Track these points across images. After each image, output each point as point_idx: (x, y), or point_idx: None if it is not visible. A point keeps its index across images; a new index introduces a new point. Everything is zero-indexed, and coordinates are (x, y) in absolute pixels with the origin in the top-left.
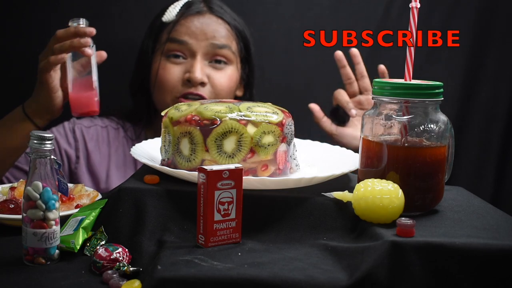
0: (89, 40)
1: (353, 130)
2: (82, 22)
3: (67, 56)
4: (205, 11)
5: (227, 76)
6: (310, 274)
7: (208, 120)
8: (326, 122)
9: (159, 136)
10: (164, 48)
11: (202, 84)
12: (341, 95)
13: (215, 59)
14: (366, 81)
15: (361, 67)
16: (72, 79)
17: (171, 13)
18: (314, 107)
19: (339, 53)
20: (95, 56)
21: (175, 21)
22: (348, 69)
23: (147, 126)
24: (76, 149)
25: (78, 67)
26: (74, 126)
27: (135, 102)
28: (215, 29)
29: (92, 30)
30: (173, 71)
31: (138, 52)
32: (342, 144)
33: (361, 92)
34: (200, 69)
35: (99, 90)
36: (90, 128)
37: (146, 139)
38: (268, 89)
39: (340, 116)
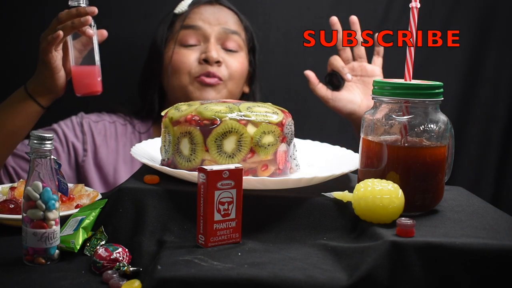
0: (90, 19)
1: (349, 94)
2: (83, 1)
3: (68, 37)
4: (215, 2)
5: (239, 61)
6: (310, 274)
7: (208, 120)
8: (322, 89)
9: None
10: (178, 37)
11: (218, 63)
12: (336, 60)
13: (227, 46)
14: (361, 49)
15: (358, 36)
16: (74, 58)
17: (183, 5)
18: (310, 74)
19: (334, 19)
20: (96, 35)
21: (188, 10)
22: (342, 35)
23: (156, 120)
24: (84, 142)
25: (79, 46)
26: (82, 120)
27: (145, 96)
28: (226, 16)
29: (94, 10)
30: (189, 54)
31: (150, 45)
32: (338, 109)
33: (354, 59)
34: (216, 50)
35: (102, 69)
36: (98, 123)
37: (153, 134)
38: (268, 89)
39: (334, 82)
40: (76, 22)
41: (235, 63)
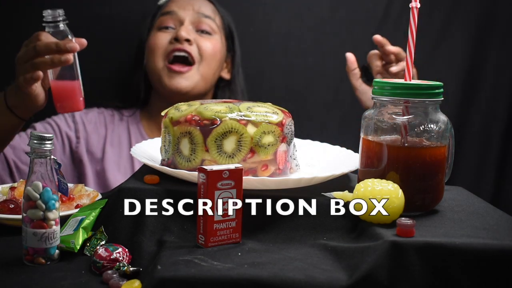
0: (71, 58)
1: None
2: (58, 14)
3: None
4: None
5: (212, 43)
6: (310, 274)
7: (208, 120)
8: (356, 75)
9: (151, 116)
10: (157, 23)
11: (189, 41)
12: (374, 57)
13: (201, 28)
14: (402, 54)
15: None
16: (52, 72)
17: None
18: (350, 57)
19: (378, 37)
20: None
21: (167, 0)
22: (389, 47)
23: (142, 107)
24: (76, 130)
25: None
26: (73, 113)
27: (132, 84)
28: (201, 2)
29: (76, 47)
30: (164, 36)
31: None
32: (360, 101)
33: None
34: (186, 30)
35: (83, 81)
36: (87, 113)
37: (140, 117)
38: (268, 89)
39: (369, 74)
40: (56, 61)
41: (207, 44)
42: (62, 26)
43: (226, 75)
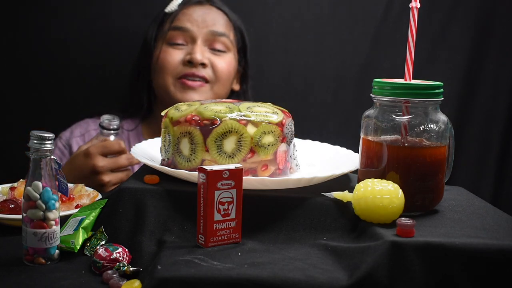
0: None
1: None
2: (113, 125)
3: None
4: (205, 2)
5: (226, 61)
6: (310, 274)
7: (208, 120)
8: None
9: (154, 129)
10: (167, 36)
11: (203, 65)
12: None
13: (215, 47)
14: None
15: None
16: None
17: (173, 4)
18: None
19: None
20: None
21: (178, 10)
22: None
23: (145, 118)
24: (71, 153)
25: None
26: (70, 140)
27: (134, 92)
28: (214, 18)
29: (138, 162)
30: (175, 54)
31: (142, 43)
32: None
33: None
34: (201, 52)
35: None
36: (84, 135)
37: (142, 132)
38: (268, 89)
39: None
40: (126, 177)
41: (221, 64)
42: (113, 137)
43: (235, 86)
